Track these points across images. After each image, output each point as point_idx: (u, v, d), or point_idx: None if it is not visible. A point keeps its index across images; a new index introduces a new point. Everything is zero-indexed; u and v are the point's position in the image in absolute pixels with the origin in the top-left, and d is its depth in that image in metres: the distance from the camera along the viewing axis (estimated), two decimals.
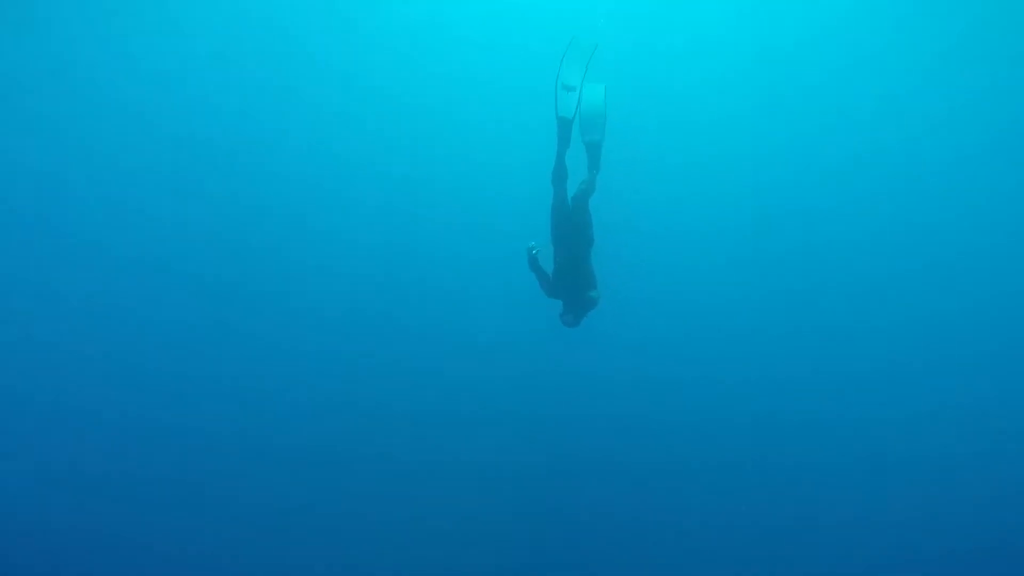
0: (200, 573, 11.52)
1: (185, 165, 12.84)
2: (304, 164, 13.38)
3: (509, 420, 12.84)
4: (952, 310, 13.34)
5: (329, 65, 13.08)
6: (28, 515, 11.27)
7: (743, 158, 13.48)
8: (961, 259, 13.38)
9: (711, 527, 12.62)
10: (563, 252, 6.82)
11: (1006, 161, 13.06)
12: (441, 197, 13.46)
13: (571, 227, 6.83)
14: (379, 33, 12.95)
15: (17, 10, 11.89)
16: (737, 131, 13.34)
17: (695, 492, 12.80)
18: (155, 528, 11.62)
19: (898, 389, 13.11)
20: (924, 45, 12.70)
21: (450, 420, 12.76)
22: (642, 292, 12.66)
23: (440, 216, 13.48)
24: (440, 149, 13.39)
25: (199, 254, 12.85)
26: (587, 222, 6.84)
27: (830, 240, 13.58)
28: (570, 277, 6.76)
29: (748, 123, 13.32)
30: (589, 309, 6.75)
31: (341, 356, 13.04)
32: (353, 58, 13.09)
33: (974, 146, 13.16)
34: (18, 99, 12.23)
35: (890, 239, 13.53)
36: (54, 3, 11.98)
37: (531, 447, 12.72)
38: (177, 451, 12.06)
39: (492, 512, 12.28)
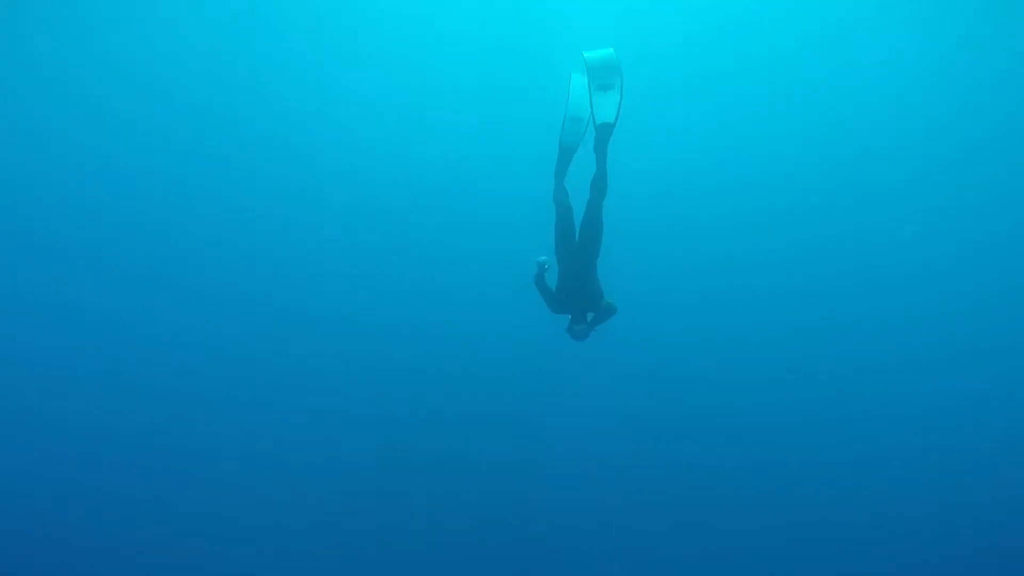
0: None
1: (175, 165, 12.83)
2: (306, 172, 13.33)
3: (510, 424, 12.76)
4: (960, 311, 13.22)
5: (330, 73, 13.06)
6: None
7: (746, 158, 13.40)
8: (968, 260, 13.24)
9: (714, 530, 12.55)
10: (569, 267, 6.76)
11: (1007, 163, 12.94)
12: (443, 200, 13.40)
13: (579, 242, 6.77)
14: (374, 40, 12.90)
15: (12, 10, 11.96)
16: (740, 131, 13.28)
17: (698, 497, 12.72)
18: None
19: (902, 394, 12.98)
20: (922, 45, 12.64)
21: (449, 423, 12.68)
22: (644, 298, 12.49)
23: (442, 219, 13.43)
24: (441, 151, 13.29)
25: (187, 254, 12.87)
26: (597, 234, 6.75)
27: (842, 242, 13.48)
28: (578, 291, 6.69)
29: (752, 123, 13.25)
30: (607, 318, 6.70)
31: (337, 359, 12.98)
32: (350, 65, 13.02)
33: (974, 148, 13.04)
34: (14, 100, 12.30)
35: (895, 241, 13.40)
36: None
37: (529, 450, 12.65)
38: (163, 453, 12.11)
39: (491, 514, 12.24)
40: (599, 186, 6.74)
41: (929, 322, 13.25)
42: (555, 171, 6.94)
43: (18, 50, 12.03)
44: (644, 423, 12.86)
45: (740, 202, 13.38)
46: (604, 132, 6.78)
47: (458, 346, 12.99)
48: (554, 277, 6.83)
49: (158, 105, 12.60)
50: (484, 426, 12.62)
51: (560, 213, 6.84)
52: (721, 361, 13.14)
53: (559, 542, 12.30)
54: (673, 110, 13.01)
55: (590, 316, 6.73)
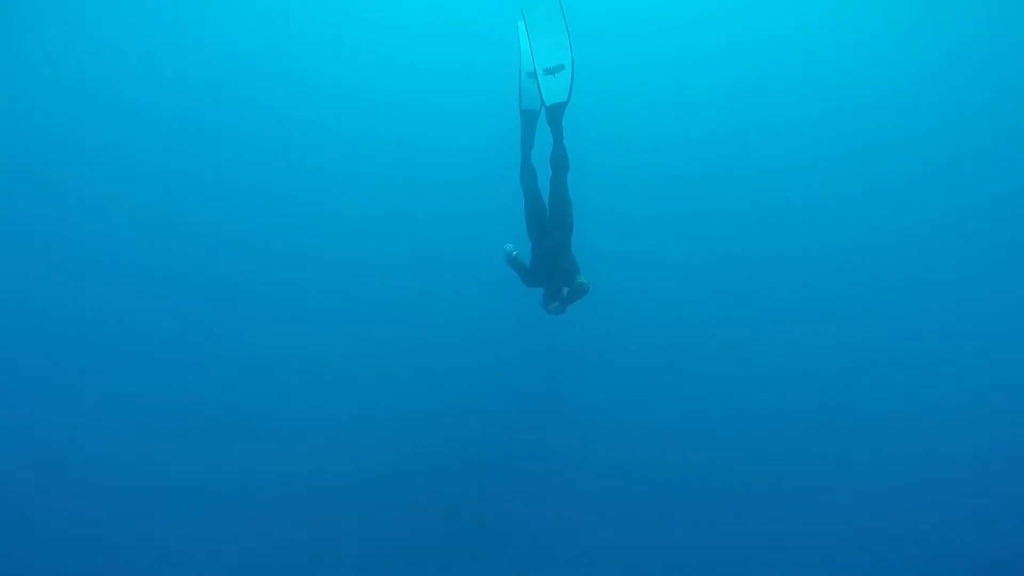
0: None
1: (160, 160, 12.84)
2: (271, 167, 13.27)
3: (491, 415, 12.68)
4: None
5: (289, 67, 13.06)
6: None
7: (738, 148, 13.32)
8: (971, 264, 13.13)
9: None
10: (542, 244, 6.73)
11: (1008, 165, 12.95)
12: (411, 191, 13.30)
13: (550, 219, 6.73)
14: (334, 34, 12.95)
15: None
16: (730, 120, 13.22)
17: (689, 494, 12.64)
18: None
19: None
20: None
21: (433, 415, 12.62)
22: (625, 277, 12.31)
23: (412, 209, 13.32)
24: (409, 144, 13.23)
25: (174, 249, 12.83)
26: (567, 209, 6.72)
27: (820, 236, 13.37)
28: (552, 266, 6.68)
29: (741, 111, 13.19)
30: (580, 296, 6.67)
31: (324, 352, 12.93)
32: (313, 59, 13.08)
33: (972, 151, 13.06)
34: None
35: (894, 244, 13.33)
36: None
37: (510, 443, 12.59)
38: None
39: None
40: (559, 162, 6.65)
41: (930, 323, 13.24)
42: (520, 141, 6.85)
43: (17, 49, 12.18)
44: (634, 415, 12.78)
45: (730, 185, 13.24)
46: (555, 111, 6.66)
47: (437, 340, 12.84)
48: (527, 253, 6.81)
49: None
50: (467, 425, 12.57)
51: (528, 196, 6.81)
52: (714, 347, 12.96)
53: (550, 540, 12.27)
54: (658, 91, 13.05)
55: (565, 291, 6.71)
